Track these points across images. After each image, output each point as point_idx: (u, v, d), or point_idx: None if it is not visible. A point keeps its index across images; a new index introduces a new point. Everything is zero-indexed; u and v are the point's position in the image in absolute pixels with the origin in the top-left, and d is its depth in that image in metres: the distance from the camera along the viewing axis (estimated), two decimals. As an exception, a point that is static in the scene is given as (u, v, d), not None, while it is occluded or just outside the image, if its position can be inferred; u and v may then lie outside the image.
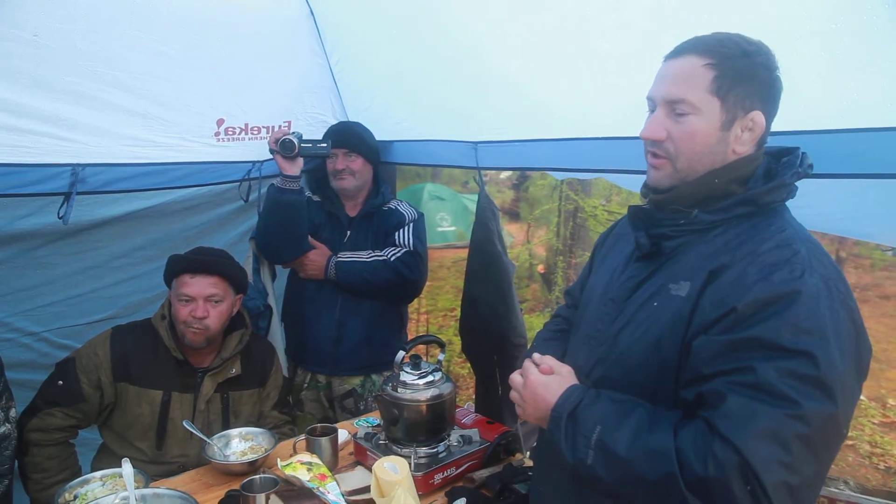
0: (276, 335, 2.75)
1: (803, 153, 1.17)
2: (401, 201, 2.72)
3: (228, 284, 2.15)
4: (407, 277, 2.53)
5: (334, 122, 2.95)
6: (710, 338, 1.06)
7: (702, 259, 1.14)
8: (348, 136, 2.59)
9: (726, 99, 1.13)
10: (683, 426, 1.05)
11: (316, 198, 2.69)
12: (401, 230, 2.59)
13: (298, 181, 2.37)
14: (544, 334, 1.62)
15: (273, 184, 2.41)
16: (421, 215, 2.70)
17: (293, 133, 2.32)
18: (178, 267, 2.12)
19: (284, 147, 2.28)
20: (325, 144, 2.35)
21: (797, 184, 1.17)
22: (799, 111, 1.33)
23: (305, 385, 2.66)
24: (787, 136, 1.35)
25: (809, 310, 1.00)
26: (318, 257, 2.52)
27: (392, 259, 2.51)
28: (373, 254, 2.54)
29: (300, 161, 2.34)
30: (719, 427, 0.99)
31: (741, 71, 1.13)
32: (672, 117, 1.17)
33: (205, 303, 2.07)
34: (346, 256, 2.52)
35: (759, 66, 1.13)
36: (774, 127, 1.19)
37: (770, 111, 1.17)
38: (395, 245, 2.56)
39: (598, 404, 1.14)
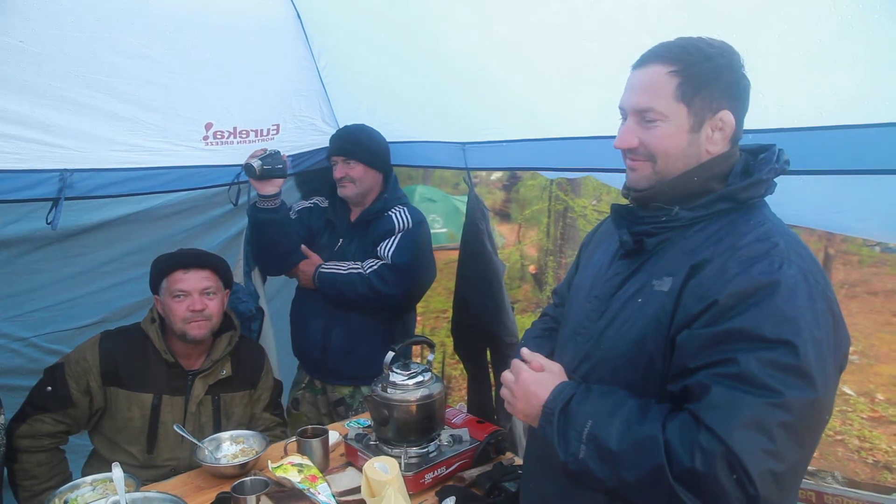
0: (269, 338, 2.75)
1: (779, 149, 1.19)
2: (403, 207, 2.56)
3: (219, 278, 2.18)
4: (381, 292, 2.40)
5: (323, 124, 2.96)
6: (694, 331, 1.08)
7: (683, 255, 1.16)
8: (345, 143, 2.52)
9: (692, 104, 1.17)
10: (671, 419, 1.06)
11: (325, 203, 2.67)
12: (385, 241, 2.47)
13: (275, 200, 2.39)
14: (533, 332, 1.64)
15: (253, 203, 2.46)
16: (418, 224, 2.54)
17: (269, 152, 2.37)
18: (168, 265, 2.13)
19: (247, 171, 2.38)
20: (280, 166, 2.39)
21: (776, 180, 1.19)
22: (776, 109, 1.35)
23: (304, 385, 2.67)
24: (765, 133, 1.37)
25: (788, 300, 1.02)
26: (307, 267, 2.52)
27: (367, 272, 2.42)
28: (351, 266, 2.46)
29: (276, 180, 2.38)
30: (704, 418, 1.01)
31: (704, 75, 1.16)
32: (642, 125, 1.21)
33: (200, 295, 2.09)
34: (328, 267, 2.49)
35: (722, 67, 1.16)
36: (753, 125, 1.21)
37: (738, 109, 1.19)
38: (375, 256, 2.47)
39: (588, 399, 1.16)
